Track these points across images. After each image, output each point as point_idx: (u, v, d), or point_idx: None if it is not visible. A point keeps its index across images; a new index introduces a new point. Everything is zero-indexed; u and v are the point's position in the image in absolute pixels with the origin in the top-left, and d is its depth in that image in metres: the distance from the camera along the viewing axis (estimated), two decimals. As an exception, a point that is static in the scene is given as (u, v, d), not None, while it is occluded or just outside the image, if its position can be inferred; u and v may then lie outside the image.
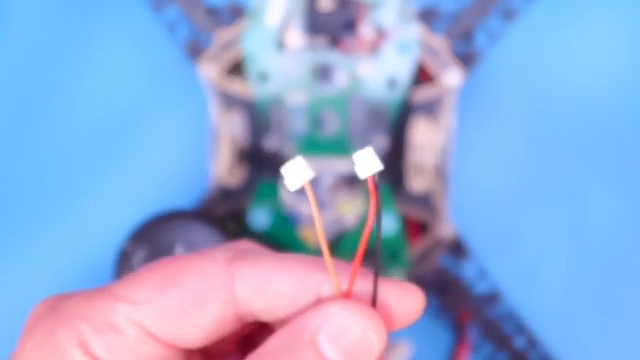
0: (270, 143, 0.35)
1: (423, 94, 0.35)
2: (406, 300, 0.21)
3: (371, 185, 0.19)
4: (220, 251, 0.22)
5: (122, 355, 0.20)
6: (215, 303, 0.21)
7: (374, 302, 0.21)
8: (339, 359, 0.20)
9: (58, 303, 0.21)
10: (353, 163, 0.19)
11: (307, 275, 0.21)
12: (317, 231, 0.20)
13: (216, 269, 0.21)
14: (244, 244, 0.24)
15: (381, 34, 0.35)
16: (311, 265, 0.21)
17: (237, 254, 0.22)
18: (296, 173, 0.19)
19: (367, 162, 0.19)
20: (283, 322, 0.21)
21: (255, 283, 0.21)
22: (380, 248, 0.20)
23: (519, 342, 0.35)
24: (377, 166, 0.19)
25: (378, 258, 0.20)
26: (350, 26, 0.35)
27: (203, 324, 0.21)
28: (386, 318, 0.21)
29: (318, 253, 0.33)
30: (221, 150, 0.35)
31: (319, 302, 0.21)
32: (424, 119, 0.35)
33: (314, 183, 0.35)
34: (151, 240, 0.32)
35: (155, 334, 0.21)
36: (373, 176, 0.19)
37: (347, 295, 0.21)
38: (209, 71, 0.35)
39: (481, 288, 0.35)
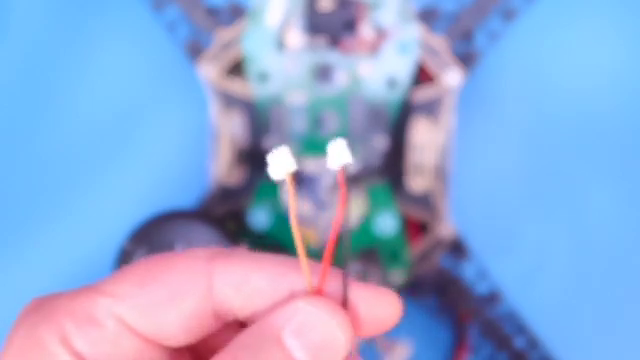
0: (270, 143, 0.35)
1: (423, 94, 0.35)
2: (380, 305, 0.21)
3: (340, 177, 0.19)
4: (202, 250, 0.22)
5: (103, 349, 0.20)
6: (191, 298, 0.21)
7: (345, 302, 0.21)
8: (303, 355, 0.20)
9: (43, 302, 0.21)
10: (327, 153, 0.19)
11: (284, 274, 0.21)
12: (292, 224, 0.20)
13: (195, 266, 0.21)
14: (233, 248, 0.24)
15: (381, 34, 0.35)
16: (289, 264, 0.21)
17: (217, 252, 0.22)
18: (280, 163, 0.19)
19: (338, 154, 0.19)
20: None
21: (234, 280, 0.21)
22: (349, 243, 0.20)
23: (519, 342, 0.35)
24: (347, 158, 0.19)
25: (346, 255, 0.20)
26: (350, 26, 0.35)
27: (180, 318, 0.21)
28: (356, 319, 0.21)
29: (318, 254, 0.33)
30: (221, 150, 0.35)
31: (291, 299, 0.21)
32: (424, 119, 0.35)
33: (315, 183, 0.35)
34: (151, 240, 0.32)
35: (135, 328, 0.21)
36: (343, 168, 0.19)
37: (318, 292, 0.21)
38: (209, 71, 0.35)
39: (481, 288, 0.35)
